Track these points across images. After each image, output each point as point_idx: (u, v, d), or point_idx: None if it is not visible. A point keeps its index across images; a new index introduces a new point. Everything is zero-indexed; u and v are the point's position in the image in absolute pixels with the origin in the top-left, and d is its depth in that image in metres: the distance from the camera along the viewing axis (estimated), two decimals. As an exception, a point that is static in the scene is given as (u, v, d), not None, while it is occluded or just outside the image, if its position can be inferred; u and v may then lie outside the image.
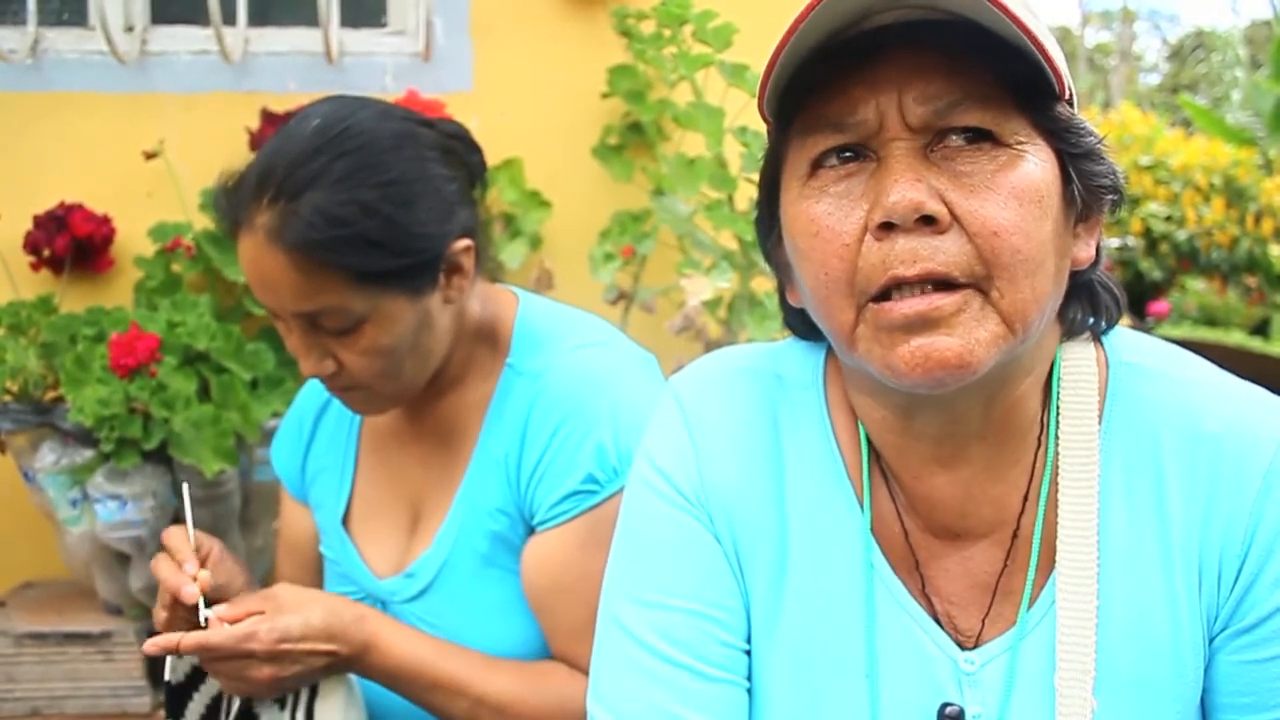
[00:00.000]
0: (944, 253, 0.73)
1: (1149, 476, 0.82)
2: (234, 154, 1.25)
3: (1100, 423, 0.84)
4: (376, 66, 2.37)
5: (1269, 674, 0.80)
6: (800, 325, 0.92)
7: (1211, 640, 0.82)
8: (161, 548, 1.20)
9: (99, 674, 2.01)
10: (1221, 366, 0.88)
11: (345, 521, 1.36)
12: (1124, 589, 0.81)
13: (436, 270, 1.18)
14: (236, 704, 1.22)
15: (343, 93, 1.23)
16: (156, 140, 2.25)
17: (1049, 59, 0.74)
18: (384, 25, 2.43)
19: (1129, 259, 8.61)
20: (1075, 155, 0.79)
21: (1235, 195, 9.03)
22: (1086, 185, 0.80)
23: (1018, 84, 0.76)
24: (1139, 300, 8.39)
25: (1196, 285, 8.57)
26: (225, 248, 2.15)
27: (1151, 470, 0.82)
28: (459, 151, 1.23)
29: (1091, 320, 0.87)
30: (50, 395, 2.01)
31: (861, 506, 0.87)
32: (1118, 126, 9.48)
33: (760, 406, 0.92)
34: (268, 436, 1.94)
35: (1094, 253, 0.84)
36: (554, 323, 1.30)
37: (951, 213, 0.74)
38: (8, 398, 2.01)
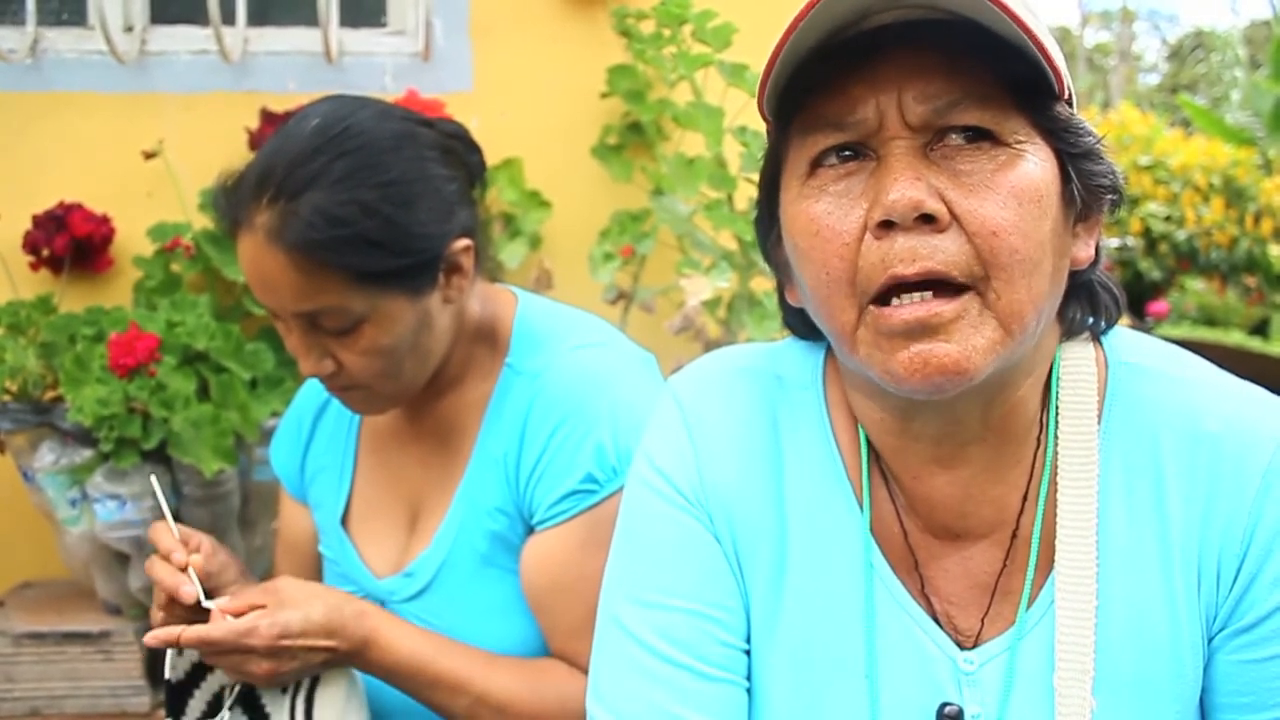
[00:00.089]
0: (943, 251, 0.74)
1: (1148, 476, 0.82)
2: (233, 154, 1.25)
3: (1100, 423, 0.84)
4: (376, 66, 2.37)
5: (1268, 673, 0.80)
6: (800, 325, 0.93)
7: (1211, 640, 0.82)
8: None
9: (98, 674, 2.01)
10: (1221, 366, 0.88)
11: (344, 521, 1.36)
12: (1123, 589, 0.81)
13: (436, 270, 1.18)
14: (238, 687, 1.22)
15: (342, 93, 1.23)
16: (156, 140, 2.24)
17: (1049, 58, 0.74)
18: (383, 25, 2.43)
19: (1128, 259, 8.61)
20: (1074, 155, 0.79)
21: (1234, 195, 9.03)
22: (1086, 185, 0.80)
23: (1017, 83, 0.76)
24: (1138, 300, 8.39)
25: (1196, 285, 8.57)
26: (225, 247, 2.14)
27: (1151, 470, 0.82)
28: (459, 151, 1.23)
29: (1091, 320, 0.87)
30: (49, 395, 2.01)
31: (861, 507, 0.87)
32: (1117, 126, 9.48)
33: (760, 406, 0.92)
34: (267, 436, 1.94)
35: (1093, 253, 0.84)
36: (553, 322, 1.30)
37: (951, 212, 0.74)
38: (7, 397, 2.00)
